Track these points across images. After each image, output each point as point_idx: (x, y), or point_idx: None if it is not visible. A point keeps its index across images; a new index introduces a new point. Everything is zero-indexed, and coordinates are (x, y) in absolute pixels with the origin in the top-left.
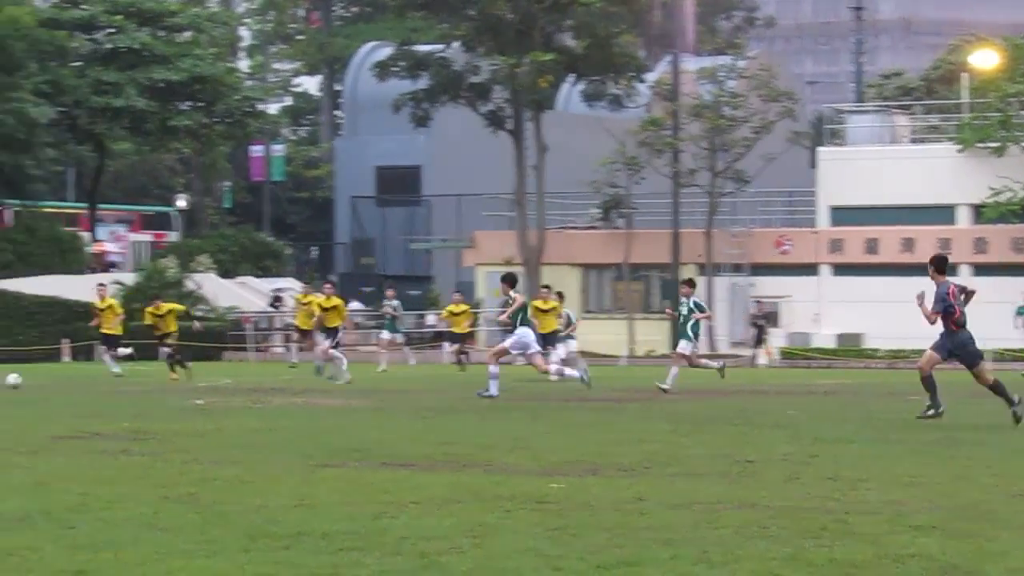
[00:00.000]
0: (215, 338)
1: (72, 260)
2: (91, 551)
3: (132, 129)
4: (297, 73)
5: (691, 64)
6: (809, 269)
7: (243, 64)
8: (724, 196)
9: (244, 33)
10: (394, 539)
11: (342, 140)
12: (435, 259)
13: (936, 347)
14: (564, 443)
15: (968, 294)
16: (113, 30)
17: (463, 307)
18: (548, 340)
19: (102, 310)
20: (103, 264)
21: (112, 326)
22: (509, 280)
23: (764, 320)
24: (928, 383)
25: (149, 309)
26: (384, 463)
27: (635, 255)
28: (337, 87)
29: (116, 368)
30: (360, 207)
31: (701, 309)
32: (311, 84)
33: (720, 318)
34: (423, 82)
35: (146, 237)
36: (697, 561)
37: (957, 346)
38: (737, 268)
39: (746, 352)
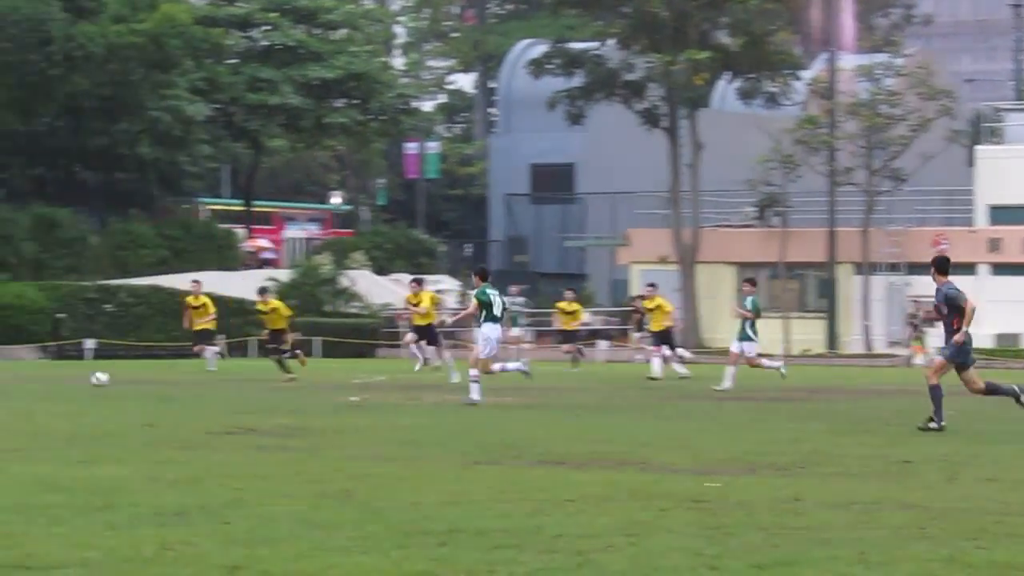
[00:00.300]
0: (369, 335)
1: (227, 257)
2: (247, 546)
3: (287, 126)
4: (451, 70)
5: (848, 62)
6: (967, 268)
7: (398, 61)
8: (880, 195)
9: (399, 30)
10: (549, 537)
11: (496, 137)
12: (589, 257)
13: (943, 353)
14: (720, 442)
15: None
16: (268, 27)
17: (575, 306)
18: (662, 338)
19: (195, 307)
20: (258, 261)
21: (206, 322)
22: (481, 273)
23: (920, 319)
24: (933, 393)
25: (258, 304)
26: (539, 461)
27: (791, 254)
28: (491, 84)
29: (213, 366)
30: (514, 205)
31: (752, 309)
32: (465, 81)
33: (877, 317)
34: (578, 80)
35: (301, 234)
36: (854, 562)
37: (959, 348)
38: (893, 267)
39: (903, 352)
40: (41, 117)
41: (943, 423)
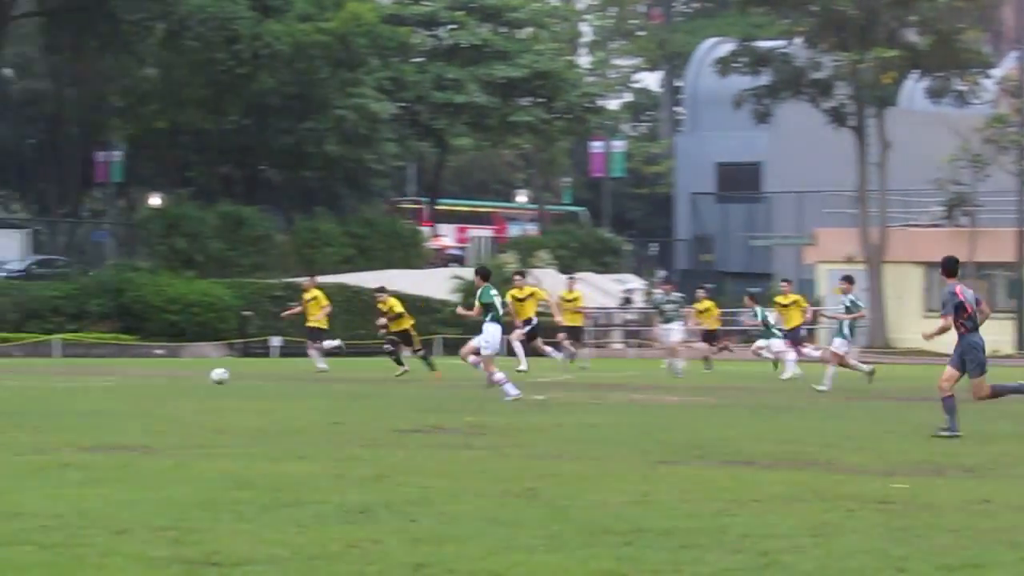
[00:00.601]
0: (553, 333)
1: (412, 255)
2: (433, 544)
3: (472, 125)
4: (637, 69)
5: None
6: None
7: (584, 60)
8: None
9: (585, 29)
10: (735, 537)
11: (682, 136)
12: (775, 256)
13: (953, 363)
14: (907, 443)
15: (982, 306)
16: (454, 26)
17: (707, 303)
18: (791, 336)
19: (307, 302)
20: (443, 259)
21: (318, 319)
22: (482, 274)
23: None
24: (946, 404)
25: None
26: (724, 461)
27: (979, 253)
28: (677, 83)
29: (322, 364)
30: (700, 203)
31: (856, 308)
32: (651, 80)
33: None
34: (764, 78)
35: (487, 232)
36: None
37: (967, 349)
38: None
39: None
40: (228, 116)
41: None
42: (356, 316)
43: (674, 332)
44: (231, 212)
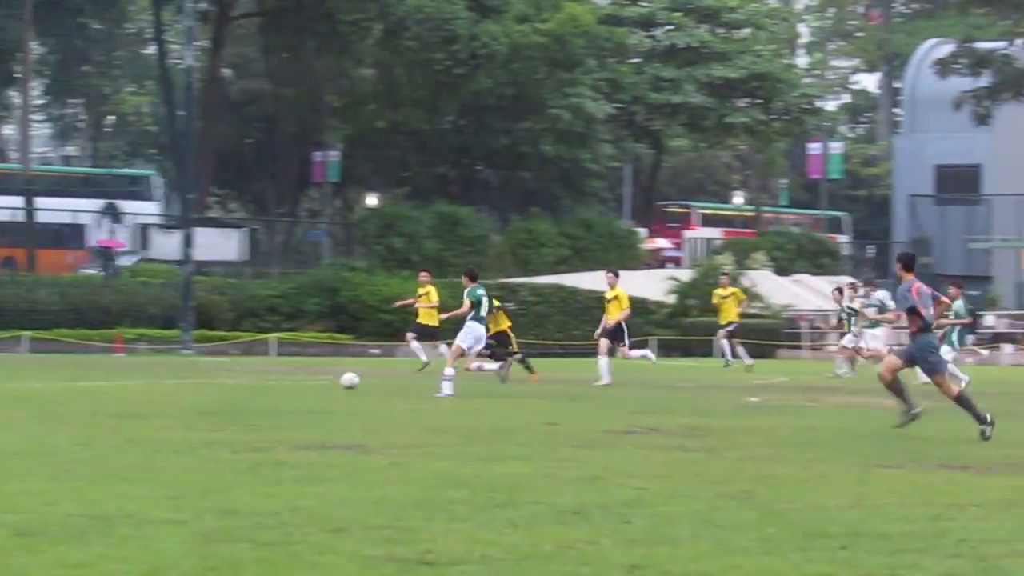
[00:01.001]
0: (769, 335)
1: (628, 256)
2: (647, 545)
3: (689, 126)
4: (856, 70)
5: None
6: None
7: (801, 61)
8: None
9: (803, 30)
10: (953, 541)
11: (901, 138)
12: (994, 259)
13: (899, 352)
14: None
15: (939, 302)
16: (672, 27)
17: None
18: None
19: (420, 296)
20: (659, 260)
21: (431, 317)
22: (470, 274)
23: None
24: (893, 388)
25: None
26: (941, 464)
27: None
28: (896, 84)
29: (424, 356)
30: (918, 206)
31: (961, 315)
32: (869, 81)
33: None
34: (984, 80)
35: (702, 233)
36: None
37: (918, 350)
38: None
39: None
40: (445, 116)
41: (916, 410)
42: (571, 317)
43: (873, 337)
44: (447, 212)
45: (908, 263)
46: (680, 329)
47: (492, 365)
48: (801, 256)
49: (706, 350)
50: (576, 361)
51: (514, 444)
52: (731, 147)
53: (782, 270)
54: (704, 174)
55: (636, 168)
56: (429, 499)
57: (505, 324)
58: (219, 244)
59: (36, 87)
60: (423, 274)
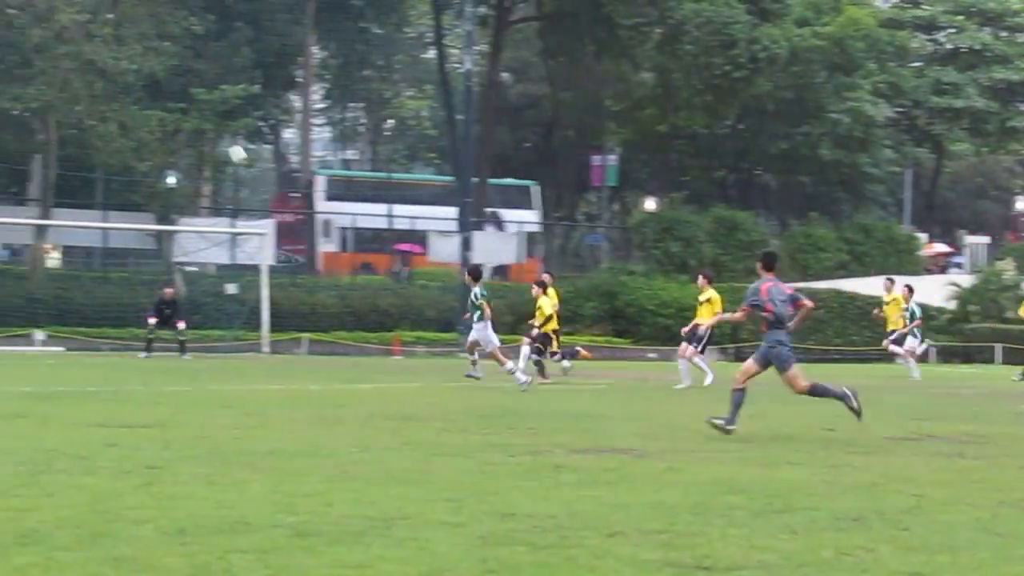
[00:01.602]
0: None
1: (907, 261)
2: (925, 553)
3: (971, 130)
4: None
5: None
6: None
7: None
8: None
9: None
10: None
11: None
12: None
13: (754, 357)
14: None
15: (798, 304)
16: (954, 30)
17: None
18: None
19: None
20: (940, 266)
21: (544, 325)
22: (473, 273)
23: None
24: (735, 396)
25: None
26: None
27: None
28: None
29: (567, 363)
30: None
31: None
32: None
33: None
34: None
35: (984, 239)
36: None
37: (768, 347)
38: None
39: None
40: (723, 120)
41: (731, 428)
42: (849, 322)
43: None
44: (725, 216)
45: (770, 263)
46: (961, 335)
47: (509, 364)
48: None
49: (987, 356)
50: (855, 367)
51: (792, 449)
52: (1014, 151)
53: None
54: (985, 179)
55: (916, 173)
56: (706, 504)
57: (552, 326)
58: (498, 248)
59: (317, 91)
60: (545, 278)
